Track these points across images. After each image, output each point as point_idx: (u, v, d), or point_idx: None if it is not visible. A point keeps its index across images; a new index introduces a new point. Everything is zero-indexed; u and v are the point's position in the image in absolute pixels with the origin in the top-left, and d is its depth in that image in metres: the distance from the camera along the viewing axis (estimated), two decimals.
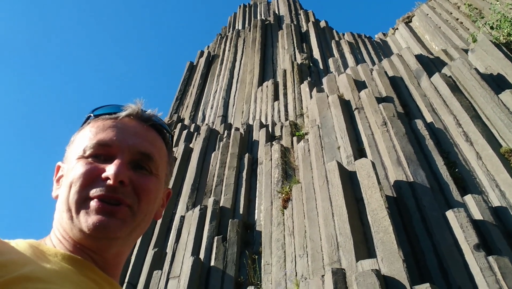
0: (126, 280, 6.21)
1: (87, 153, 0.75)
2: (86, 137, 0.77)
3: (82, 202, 0.70)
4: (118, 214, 0.70)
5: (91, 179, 0.72)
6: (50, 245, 0.72)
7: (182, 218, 6.58)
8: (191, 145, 8.97)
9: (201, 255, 5.57)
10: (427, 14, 11.03)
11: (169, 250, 6.18)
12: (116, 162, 0.73)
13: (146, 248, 6.64)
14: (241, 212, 6.32)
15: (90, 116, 0.82)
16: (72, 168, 0.74)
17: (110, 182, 0.71)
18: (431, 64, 7.51)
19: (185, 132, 9.78)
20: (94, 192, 0.71)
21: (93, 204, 0.70)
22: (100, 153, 0.75)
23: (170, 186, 7.81)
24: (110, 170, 0.72)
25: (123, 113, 0.80)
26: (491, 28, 8.02)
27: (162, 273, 5.76)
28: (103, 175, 0.72)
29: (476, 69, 6.25)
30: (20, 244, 0.67)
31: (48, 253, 0.68)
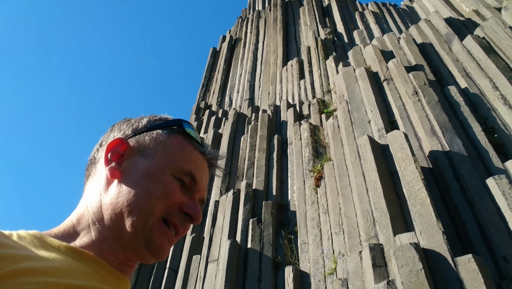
0: (168, 265, 6.40)
1: (178, 174, 0.78)
2: (182, 156, 0.80)
3: (158, 218, 0.75)
4: (172, 242, 0.79)
5: (174, 203, 0.77)
6: (59, 236, 0.71)
7: (217, 203, 6.67)
8: (220, 130, 9.02)
9: (238, 238, 5.64)
10: None
11: (206, 235, 6.29)
12: (197, 203, 0.81)
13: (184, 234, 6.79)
14: (274, 193, 6.33)
15: (181, 128, 0.84)
16: (160, 176, 0.76)
17: (191, 221, 0.79)
18: (462, 27, 7.15)
19: (213, 118, 9.83)
20: (172, 217, 0.77)
21: (166, 228, 0.76)
22: (186, 182, 0.79)
23: None
24: (194, 210, 0.79)
25: (209, 155, 0.85)
26: None
27: (201, 257, 5.89)
28: (186, 210, 0.78)
29: (511, 27, 5.90)
30: (22, 236, 0.66)
31: (51, 245, 0.67)
